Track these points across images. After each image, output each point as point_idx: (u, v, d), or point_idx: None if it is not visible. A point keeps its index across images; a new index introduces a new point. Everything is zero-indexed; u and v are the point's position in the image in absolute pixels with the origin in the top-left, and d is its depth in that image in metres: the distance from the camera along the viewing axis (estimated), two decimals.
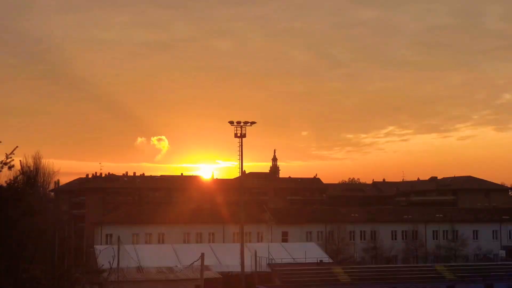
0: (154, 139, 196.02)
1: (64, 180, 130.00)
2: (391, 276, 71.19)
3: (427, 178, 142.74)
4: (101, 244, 78.55)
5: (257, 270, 68.91)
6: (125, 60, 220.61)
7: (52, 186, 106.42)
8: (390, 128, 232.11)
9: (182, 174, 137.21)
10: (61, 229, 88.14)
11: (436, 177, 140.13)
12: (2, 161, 12.90)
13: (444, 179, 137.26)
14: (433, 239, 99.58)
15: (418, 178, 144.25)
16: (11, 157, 12.96)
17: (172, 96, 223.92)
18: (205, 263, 54.45)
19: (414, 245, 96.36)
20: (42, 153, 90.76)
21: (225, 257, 73.38)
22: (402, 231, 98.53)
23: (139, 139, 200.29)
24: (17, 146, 13.31)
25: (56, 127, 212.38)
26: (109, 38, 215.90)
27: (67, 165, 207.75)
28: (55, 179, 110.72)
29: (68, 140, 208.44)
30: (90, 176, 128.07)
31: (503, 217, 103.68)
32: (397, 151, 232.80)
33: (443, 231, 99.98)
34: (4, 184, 13.26)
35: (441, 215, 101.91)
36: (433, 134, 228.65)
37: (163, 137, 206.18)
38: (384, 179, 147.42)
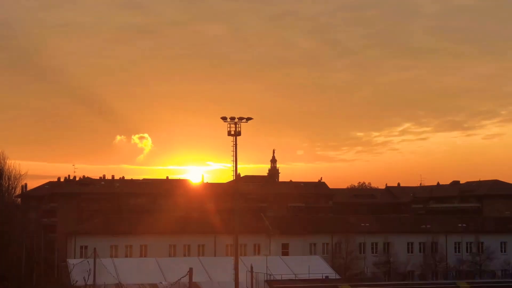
0: (135, 138, 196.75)
1: (32, 185, 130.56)
2: None
3: (448, 182, 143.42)
4: (75, 258, 78.41)
5: (254, 287, 68.55)
6: (103, 47, 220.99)
7: (18, 191, 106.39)
8: (406, 125, 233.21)
9: (167, 177, 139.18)
10: (29, 240, 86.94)
11: (459, 182, 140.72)
12: None
13: (468, 183, 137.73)
14: (455, 252, 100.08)
15: (438, 182, 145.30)
16: None
17: (156, 88, 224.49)
18: (194, 279, 54.29)
19: (433, 259, 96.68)
20: (7, 154, 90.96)
21: (217, 272, 72.37)
22: (420, 243, 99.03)
23: (118, 138, 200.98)
24: None
25: (24, 124, 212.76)
26: (86, 21, 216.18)
27: (36, 167, 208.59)
28: (22, 183, 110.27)
29: (37, 139, 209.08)
30: (62, 179, 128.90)
31: None
32: (414, 151, 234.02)
33: (467, 243, 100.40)
34: None
35: (464, 225, 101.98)
36: (456, 132, 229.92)
37: (146, 135, 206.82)
38: (398, 184, 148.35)
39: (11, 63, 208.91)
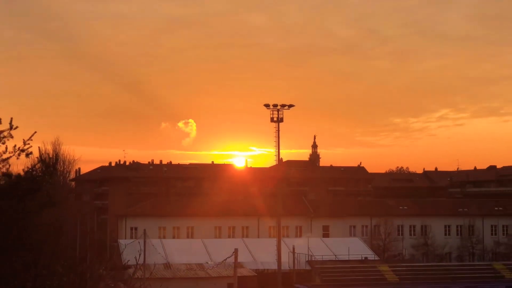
0: (180, 123, 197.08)
1: (85, 169, 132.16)
2: (444, 276, 70.91)
3: (485, 167, 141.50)
4: (125, 238, 79.52)
5: (295, 267, 69.11)
6: (149, 37, 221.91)
7: (72, 175, 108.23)
8: (444, 111, 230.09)
9: (212, 162, 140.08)
10: (83, 221, 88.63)
11: (495, 166, 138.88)
12: (19, 147, 13.08)
13: (505, 168, 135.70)
14: (492, 234, 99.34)
15: (475, 167, 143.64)
16: (28, 143, 13.17)
17: (200, 76, 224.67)
18: (239, 259, 54.82)
19: (470, 241, 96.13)
20: (62, 139, 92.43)
21: (260, 253, 73.46)
22: (457, 226, 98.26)
23: (163, 124, 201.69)
24: (35, 132, 13.47)
25: (77, 111, 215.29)
26: (132, 12, 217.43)
27: (89, 152, 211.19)
28: (76, 167, 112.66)
29: (89, 125, 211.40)
30: (113, 164, 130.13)
31: None
32: (451, 137, 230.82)
33: (503, 225, 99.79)
34: (22, 173, 13.46)
35: (500, 208, 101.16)
36: (492, 118, 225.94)
37: (191, 120, 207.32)
38: (436, 168, 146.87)
39: (64, 52, 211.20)
